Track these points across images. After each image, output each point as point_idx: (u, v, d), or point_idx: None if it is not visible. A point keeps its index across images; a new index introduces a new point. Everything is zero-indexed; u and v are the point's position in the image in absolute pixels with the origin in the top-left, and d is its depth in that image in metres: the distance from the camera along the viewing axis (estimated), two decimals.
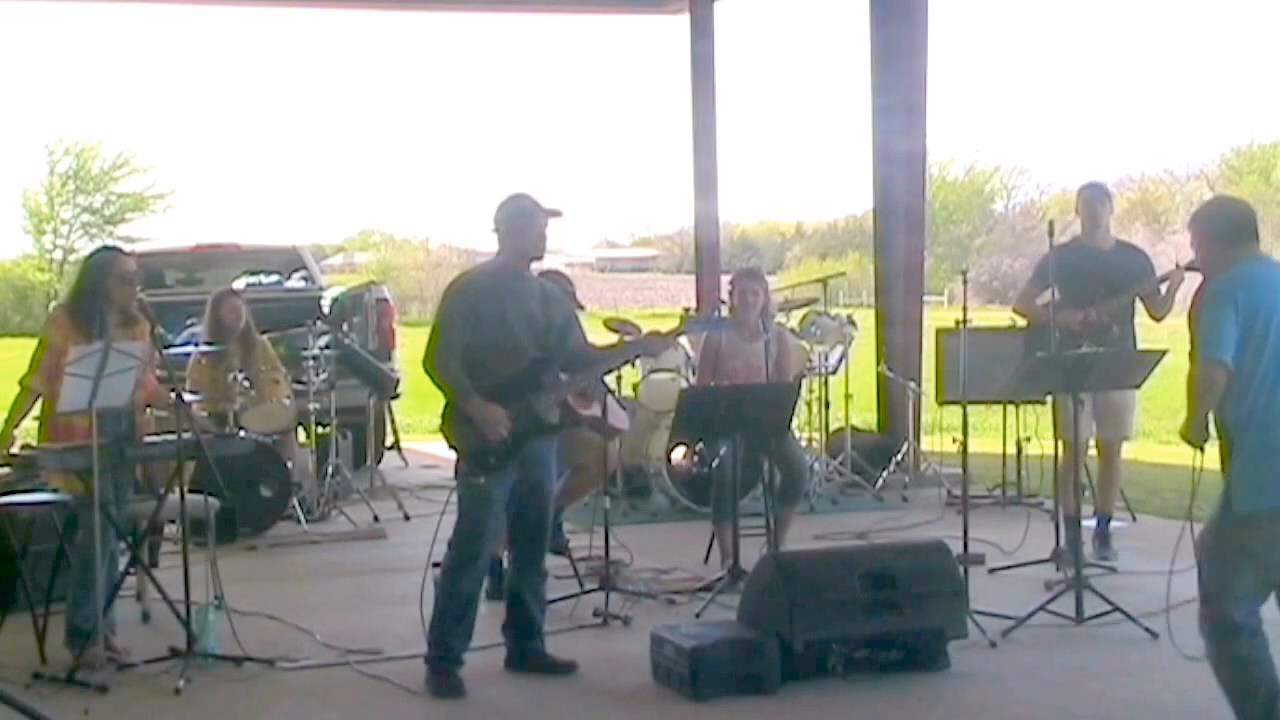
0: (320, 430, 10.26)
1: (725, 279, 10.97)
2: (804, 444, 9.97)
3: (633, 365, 9.68)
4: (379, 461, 11.32)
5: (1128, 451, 8.44)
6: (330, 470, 10.00)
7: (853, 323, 10.77)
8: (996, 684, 5.67)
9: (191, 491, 6.21)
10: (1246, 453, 4.48)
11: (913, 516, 9.39)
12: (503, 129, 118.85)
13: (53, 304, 24.97)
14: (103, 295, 6.15)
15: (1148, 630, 6.18)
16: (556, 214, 5.85)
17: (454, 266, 34.85)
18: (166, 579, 6.42)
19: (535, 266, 6.07)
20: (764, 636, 5.61)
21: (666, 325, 6.59)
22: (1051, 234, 7.07)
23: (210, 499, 6.35)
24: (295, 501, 9.29)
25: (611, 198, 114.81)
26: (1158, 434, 13.41)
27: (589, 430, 7.37)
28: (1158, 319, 7.84)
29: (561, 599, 6.63)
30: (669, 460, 9.59)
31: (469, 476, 5.73)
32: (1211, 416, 4.55)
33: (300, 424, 9.99)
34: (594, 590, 6.86)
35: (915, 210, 11.79)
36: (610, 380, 8.66)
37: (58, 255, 52.70)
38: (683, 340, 10.05)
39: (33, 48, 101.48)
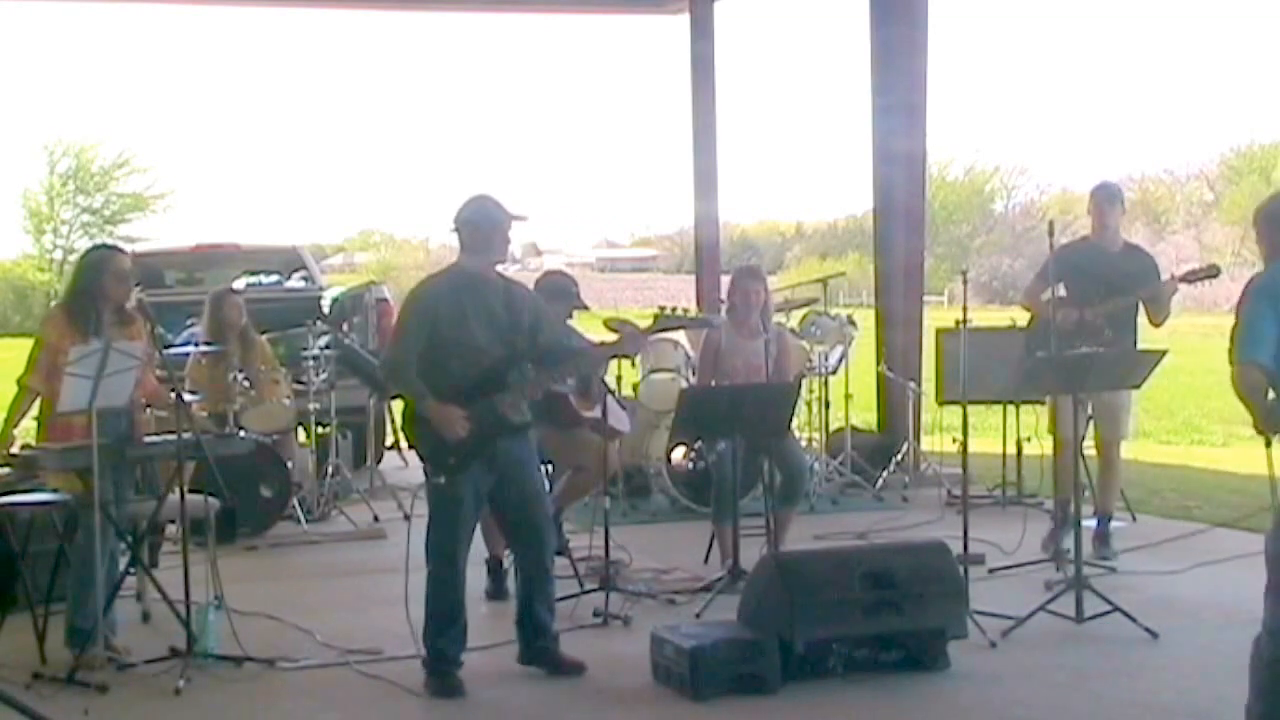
0: (320, 430, 10.25)
1: (725, 279, 10.99)
2: (804, 444, 9.96)
3: (633, 365, 9.69)
4: (379, 461, 11.32)
5: (1128, 451, 8.45)
6: (330, 470, 9.99)
7: (853, 323, 10.75)
8: (996, 684, 5.66)
9: (191, 491, 6.20)
10: None
11: (913, 516, 9.37)
12: (503, 129, 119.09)
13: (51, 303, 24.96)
14: (98, 293, 6.15)
15: (1148, 630, 6.18)
16: (521, 218, 5.84)
17: None
18: (166, 579, 6.41)
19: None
20: (764, 636, 5.60)
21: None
22: (1051, 234, 7.06)
23: (210, 499, 6.35)
24: (295, 501, 9.29)
25: (611, 198, 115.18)
26: (1158, 434, 13.30)
27: (590, 431, 7.40)
28: (1156, 324, 7.86)
29: (561, 599, 6.60)
30: (669, 460, 9.58)
31: (431, 477, 5.71)
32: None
33: (300, 424, 9.98)
34: (594, 590, 6.86)
35: (915, 210, 11.78)
36: (611, 380, 8.68)
37: (58, 255, 52.62)
38: (683, 340, 10.07)
39: (33, 48, 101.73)
